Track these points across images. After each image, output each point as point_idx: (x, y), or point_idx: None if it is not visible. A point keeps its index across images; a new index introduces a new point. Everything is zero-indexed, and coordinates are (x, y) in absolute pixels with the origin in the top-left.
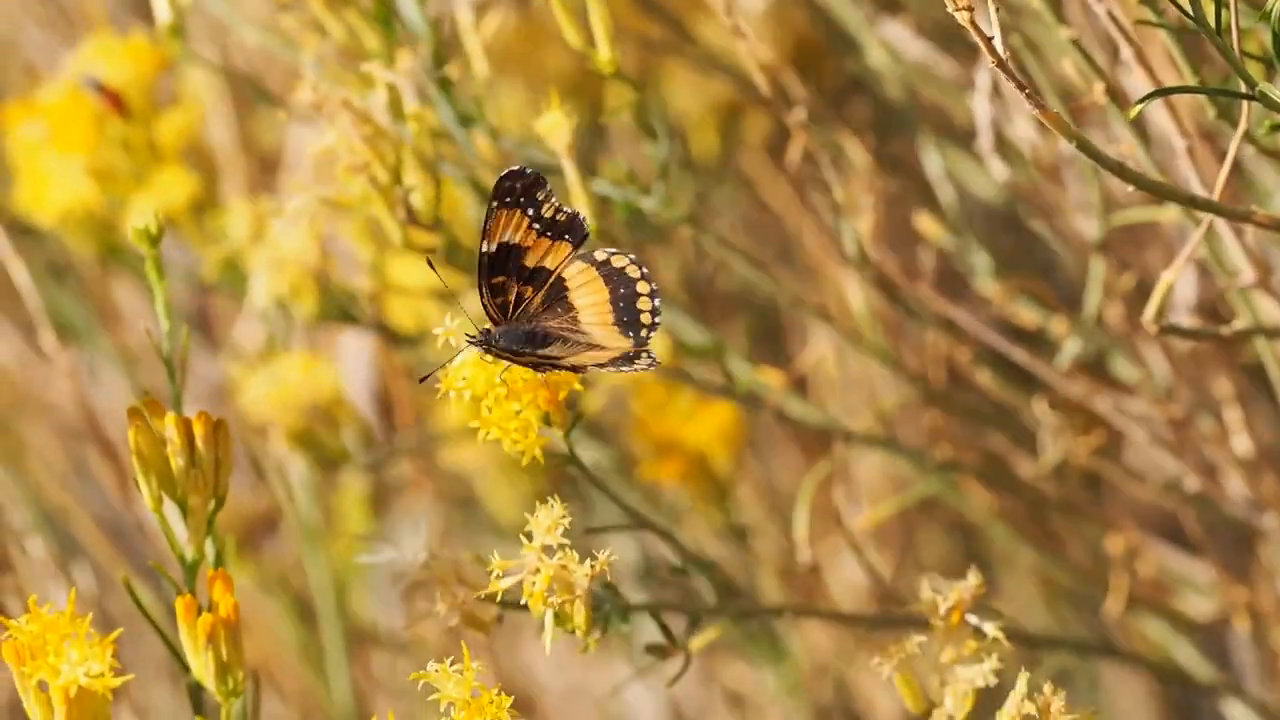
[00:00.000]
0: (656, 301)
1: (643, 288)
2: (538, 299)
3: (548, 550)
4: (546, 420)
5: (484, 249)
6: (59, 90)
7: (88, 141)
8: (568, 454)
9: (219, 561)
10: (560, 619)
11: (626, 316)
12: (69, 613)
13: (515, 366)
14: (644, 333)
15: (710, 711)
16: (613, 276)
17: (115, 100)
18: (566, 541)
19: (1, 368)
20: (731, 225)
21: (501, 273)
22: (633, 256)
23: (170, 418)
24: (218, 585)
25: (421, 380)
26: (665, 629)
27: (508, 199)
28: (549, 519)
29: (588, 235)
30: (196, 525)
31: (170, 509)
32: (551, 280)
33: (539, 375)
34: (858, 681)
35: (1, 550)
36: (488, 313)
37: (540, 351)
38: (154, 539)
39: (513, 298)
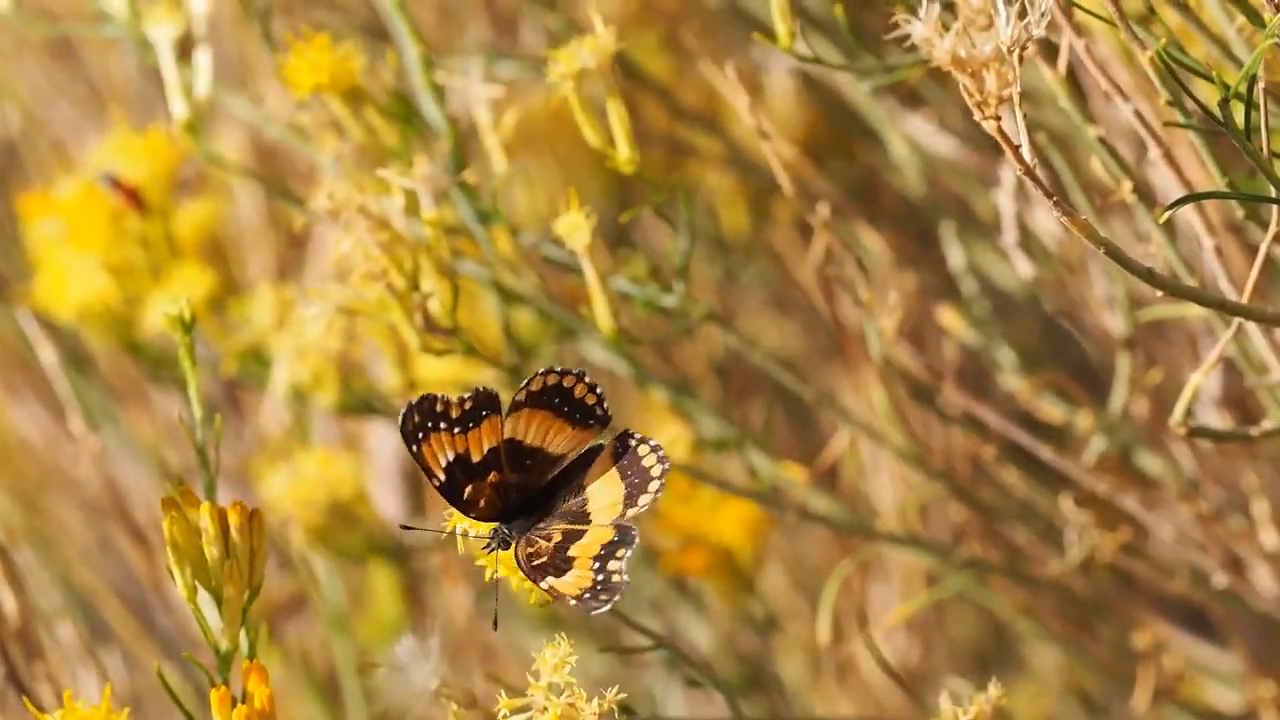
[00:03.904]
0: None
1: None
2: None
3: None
4: None
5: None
6: (76, 186)
7: (105, 238)
8: None
9: (252, 651)
10: None
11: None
12: (104, 707)
13: None
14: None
15: None
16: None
17: (132, 196)
18: (573, 680)
19: (29, 445)
20: (761, 302)
21: (492, 470)
22: (654, 444)
23: (205, 508)
24: (253, 677)
25: (404, 527)
26: None
27: (542, 400)
28: (555, 657)
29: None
30: (231, 616)
31: (204, 598)
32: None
33: None
34: None
35: (32, 635)
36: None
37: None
38: (182, 618)
39: (504, 489)
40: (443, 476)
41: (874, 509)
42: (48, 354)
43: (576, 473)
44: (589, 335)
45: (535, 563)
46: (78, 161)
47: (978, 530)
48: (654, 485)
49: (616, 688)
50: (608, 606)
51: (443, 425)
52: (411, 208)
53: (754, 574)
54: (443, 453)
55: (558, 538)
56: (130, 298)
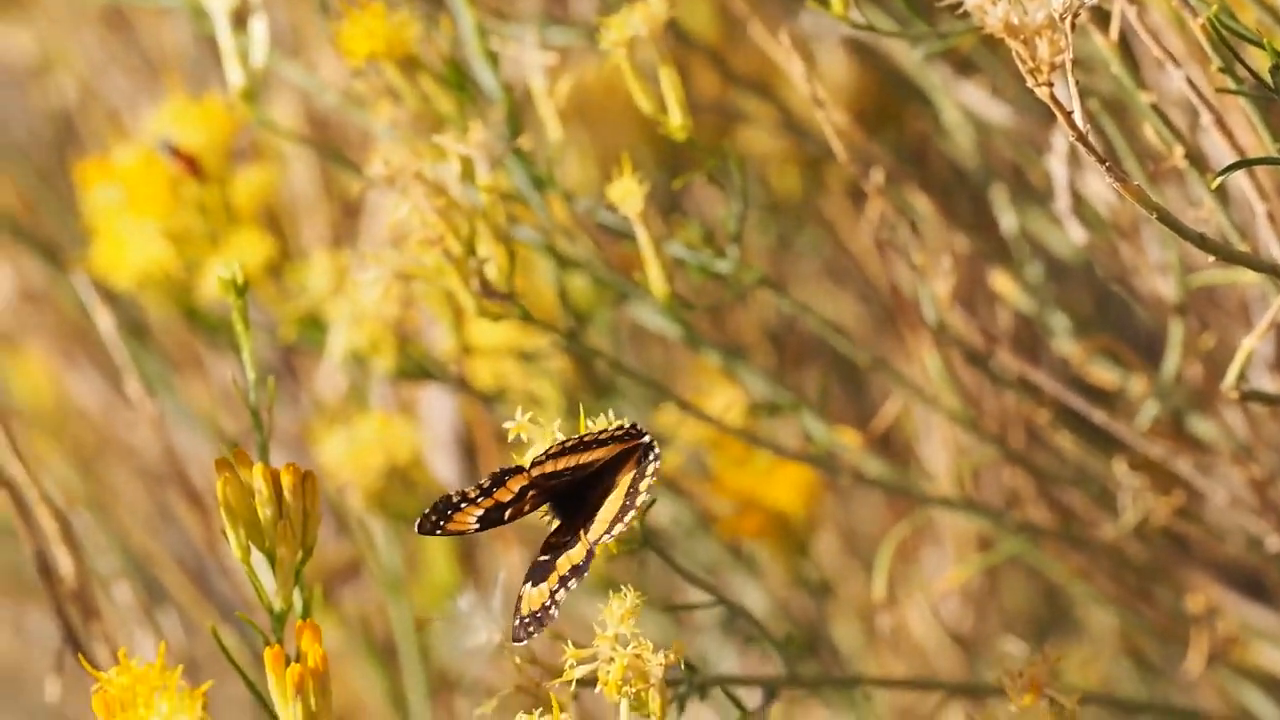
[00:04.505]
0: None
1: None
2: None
3: (621, 639)
4: None
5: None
6: (134, 153)
7: (163, 205)
8: (641, 540)
9: (306, 612)
10: (636, 706)
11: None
12: (159, 665)
13: None
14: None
15: None
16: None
17: (190, 163)
18: (639, 630)
19: (87, 413)
20: (814, 270)
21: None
22: (654, 468)
23: (258, 469)
24: (306, 635)
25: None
26: (740, 706)
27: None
28: (621, 608)
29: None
30: (284, 576)
31: (258, 559)
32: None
33: None
34: None
35: (89, 596)
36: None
37: None
38: (238, 582)
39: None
40: (476, 528)
41: (928, 473)
42: (105, 320)
43: (613, 470)
44: (643, 300)
45: (540, 558)
46: (132, 131)
47: (1031, 494)
48: (629, 515)
49: (683, 639)
50: (523, 641)
51: (463, 505)
52: (467, 174)
53: (808, 538)
54: (469, 518)
55: (565, 540)
56: (188, 264)
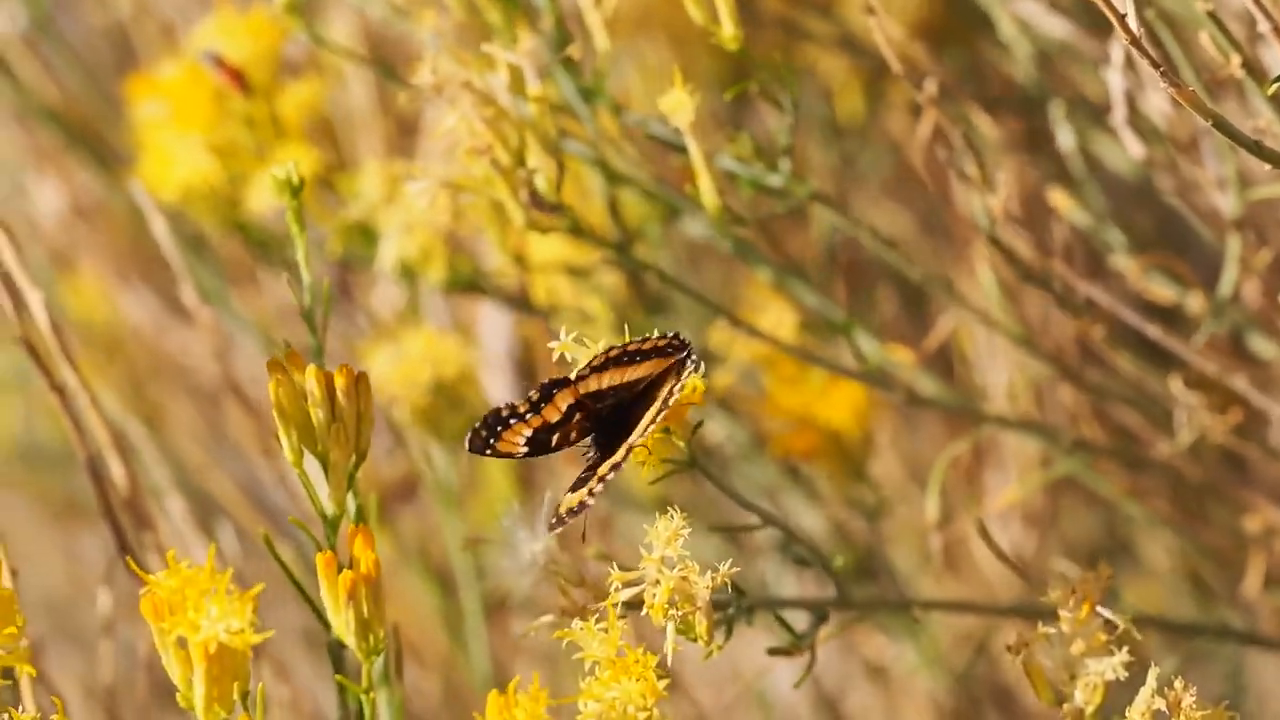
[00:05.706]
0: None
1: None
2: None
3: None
4: (667, 430)
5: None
6: (180, 67)
7: (209, 118)
8: (689, 461)
9: (360, 518)
10: (682, 629)
11: None
12: (208, 568)
13: None
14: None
15: (851, 683)
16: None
17: (236, 76)
18: (686, 553)
19: (140, 332)
20: (876, 189)
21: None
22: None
23: (311, 370)
24: (359, 541)
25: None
26: (789, 629)
27: (609, 363)
28: (668, 530)
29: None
30: (338, 480)
31: (311, 466)
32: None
33: None
34: (999, 653)
35: (141, 506)
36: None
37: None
38: (294, 499)
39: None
40: (524, 451)
41: (983, 392)
42: (160, 226)
43: (654, 388)
44: (694, 215)
45: (581, 474)
46: (185, 46)
47: (1087, 413)
48: (659, 417)
49: (730, 561)
50: (558, 530)
51: (512, 421)
52: (516, 83)
53: (864, 458)
54: (519, 437)
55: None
56: (235, 177)
